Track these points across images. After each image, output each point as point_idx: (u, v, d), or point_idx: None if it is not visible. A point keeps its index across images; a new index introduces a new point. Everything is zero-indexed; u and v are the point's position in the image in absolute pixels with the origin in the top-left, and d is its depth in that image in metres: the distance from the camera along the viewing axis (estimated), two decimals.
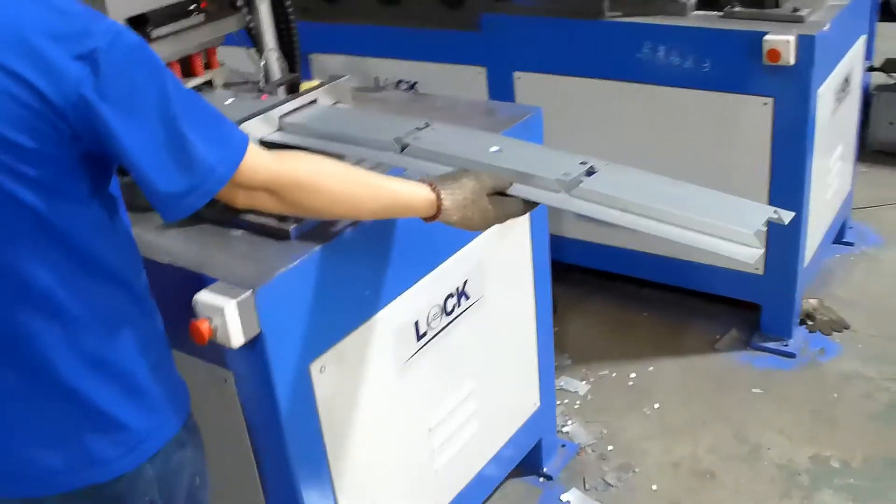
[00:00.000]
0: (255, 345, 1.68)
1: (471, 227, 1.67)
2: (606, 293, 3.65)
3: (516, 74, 3.42)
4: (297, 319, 1.75)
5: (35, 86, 1.19)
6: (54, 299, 1.32)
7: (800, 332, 3.27)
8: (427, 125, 1.92)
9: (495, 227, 1.73)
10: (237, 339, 1.62)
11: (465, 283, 2.19)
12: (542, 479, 2.77)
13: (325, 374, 1.83)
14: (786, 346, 3.21)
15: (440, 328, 2.14)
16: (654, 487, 2.72)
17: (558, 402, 3.06)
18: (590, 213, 1.64)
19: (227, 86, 2.21)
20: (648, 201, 1.60)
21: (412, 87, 3.73)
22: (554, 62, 3.31)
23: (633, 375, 3.18)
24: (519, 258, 2.41)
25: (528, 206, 1.72)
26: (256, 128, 1.91)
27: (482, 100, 2.52)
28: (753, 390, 3.04)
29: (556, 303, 3.67)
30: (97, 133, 1.25)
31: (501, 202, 1.69)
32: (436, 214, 1.62)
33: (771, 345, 3.22)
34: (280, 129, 1.95)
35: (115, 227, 1.41)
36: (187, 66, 2.17)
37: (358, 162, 1.94)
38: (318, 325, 1.79)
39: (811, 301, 3.38)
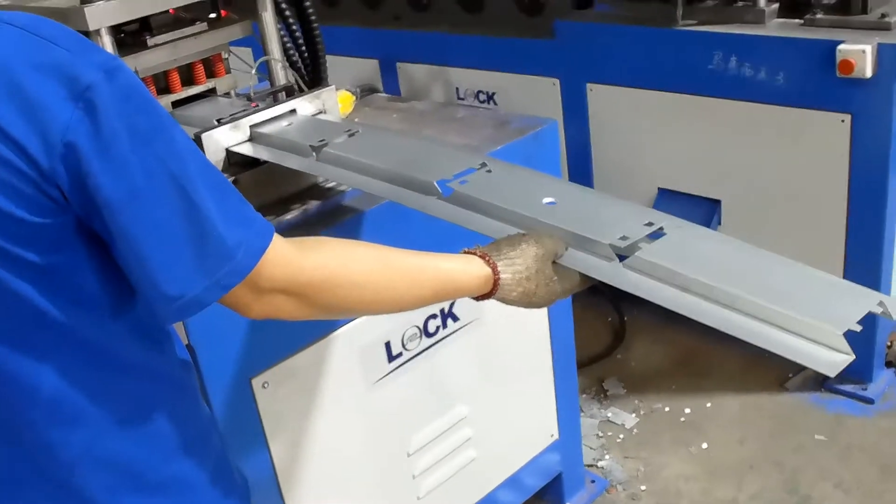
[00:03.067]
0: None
1: (531, 304, 1.35)
2: (681, 321, 3.35)
3: (589, 86, 3.28)
4: (234, 332, 1.71)
5: (13, 136, 0.94)
6: (67, 403, 1.10)
7: (885, 376, 2.94)
8: (483, 165, 1.58)
9: None
10: None
11: (452, 304, 2.08)
12: None
13: (270, 389, 1.79)
14: (864, 389, 2.89)
15: (419, 350, 2.05)
16: None
17: (600, 434, 2.89)
18: (640, 291, 1.29)
19: (228, 94, 2.20)
20: (716, 280, 1.24)
21: (490, 98, 3.66)
22: (625, 73, 3.15)
23: (687, 411, 2.95)
24: None
25: (586, 278, 1.37)
26: (224, 136, 1.89)
27: (500, 111, 2.43)
28: (816, 436, 2.75)
29: (625, 329, 3.50)
30: (85, 197, 0.99)
31: (565, 272, 1.37)
32: (491, 291, 1.32)
33: (848, 387, 2.91)
34: (251, 139, 1.92)
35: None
36: (188, 74, 2.18)
37: None
38: (261, 339, 1.74)
39: None
